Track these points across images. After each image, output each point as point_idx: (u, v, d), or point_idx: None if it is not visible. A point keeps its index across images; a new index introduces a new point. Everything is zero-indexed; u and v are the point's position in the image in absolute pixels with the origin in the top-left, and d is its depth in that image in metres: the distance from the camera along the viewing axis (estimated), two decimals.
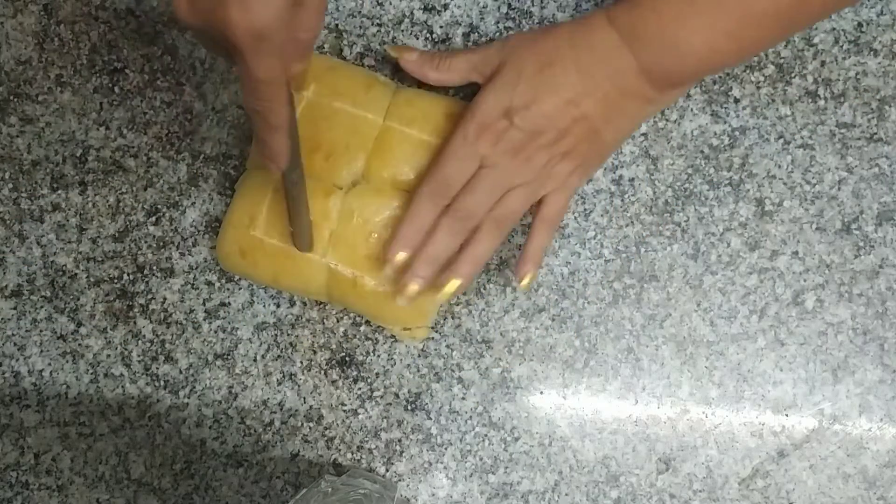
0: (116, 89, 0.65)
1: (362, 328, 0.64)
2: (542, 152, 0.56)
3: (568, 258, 0.63)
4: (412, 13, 0.64)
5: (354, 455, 0.64)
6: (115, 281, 0.65)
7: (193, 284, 0.65)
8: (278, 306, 0.64)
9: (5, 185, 0.66)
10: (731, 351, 0.63)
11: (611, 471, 0.63)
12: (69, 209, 0.66)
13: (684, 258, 0.63)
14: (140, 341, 0.65)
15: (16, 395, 0.66)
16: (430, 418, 0.64)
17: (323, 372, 0.64)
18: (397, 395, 0.64)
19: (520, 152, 0.56)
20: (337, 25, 0.64)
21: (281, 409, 0.65)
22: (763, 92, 0.62)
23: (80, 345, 0.65)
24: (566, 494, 0.63)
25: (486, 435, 0.64)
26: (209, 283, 0.65)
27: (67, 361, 0.66)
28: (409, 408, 0.64)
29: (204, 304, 0.65)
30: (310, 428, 0.64)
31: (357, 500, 0.57)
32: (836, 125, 0.62)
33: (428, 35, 0.64)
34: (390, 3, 0.64)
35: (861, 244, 0.62)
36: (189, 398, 0.65)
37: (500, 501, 0.64)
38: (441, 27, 0.64)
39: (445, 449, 0.64)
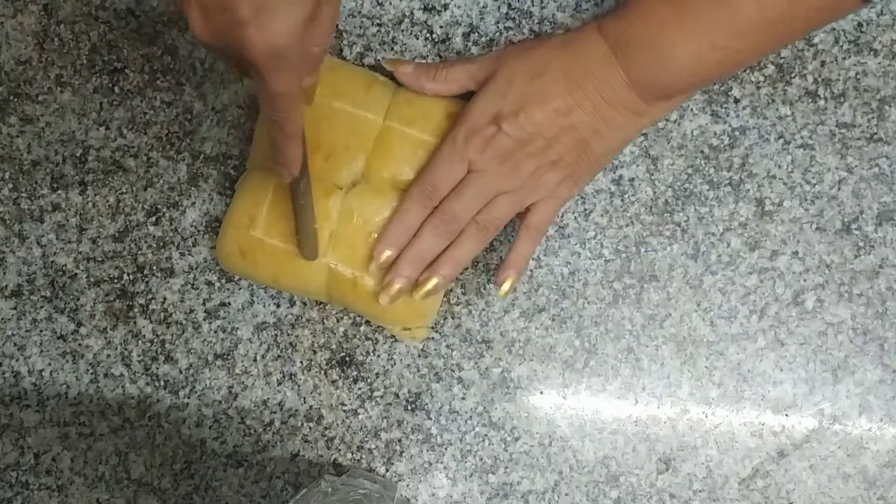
0: (116, 89, 0.65)
1: (362, 328, 0.64)
2: (530, 160, 0.56)
3: (568, 258, 0.63)
4: (412, 13, 0.64)
5: (354, 455, 0.64)
6: (115, 281, 0.65)
7: (193, 284, 0.65)
8: (278, 306, 0.65)
9: (5, 185, 0.66)
10: (731, 351, 0.63)
11: (611, 471, 0.63)
12: (69, 209, 0.66)
13: (684, 258, 0.63)
14: (140, 341, 0.65)
15: (16, 395, 0.66)
16: (430, 418, 0.64)
17: (323, 372, 0.64)
18: (397, 395, 0.64)
19: (507, 159, 0.56)
20: (337, 25, 0.64)
21: (281, 409, 0.65)
22: (763, 92, 0.62)
23: (80, 345, 0.65)
24: (566, 494, 0.63)
25: (486, 435, 0.64)
26: (209, 283, 0.65)
27: (67, 361, 0.66)
28: (409, 408, 0.64)
29: (204, 304, 0.65)
30: (310, 428, 0.64)
31: (357, 500, 0.57)
32: (836, 125, 0.62)
33: (428, 35, 0.64)
34: (390, 3, 0.64)
35: (861, 244, 0.62)
36: (189, 398, 0.65)
37: (500, 501, 0.64)
38: (441, 27, 0.64)
39: (445, 449, 0.64)
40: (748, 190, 0.63)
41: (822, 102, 0.62)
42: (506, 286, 0.58)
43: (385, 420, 0.64)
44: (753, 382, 0.63)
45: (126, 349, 0.65)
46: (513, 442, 0.63)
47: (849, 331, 0.62)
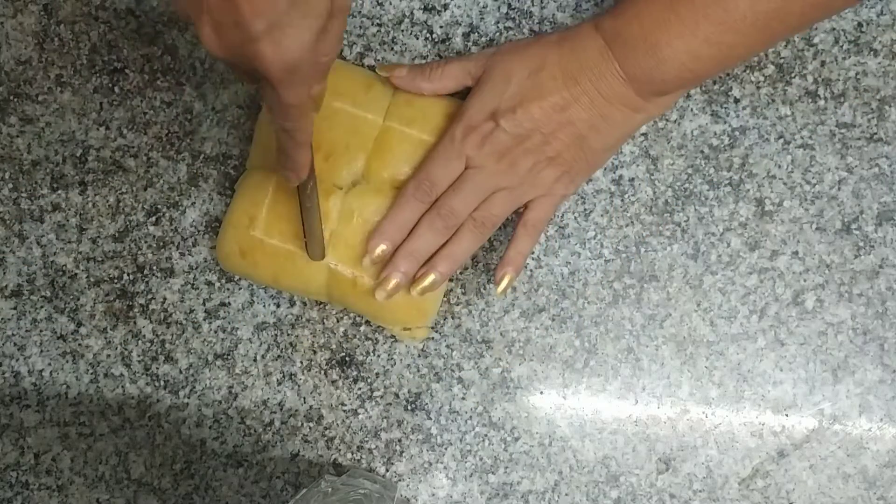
0: (116, 89, 0.65)
1: (362, 328, 0.64)
2: (528, 156, 0.56)
3: (568, 258, 0.63)
4: (412, 13, 0.64)
5: (354, 455, 0.64)
6: (115, 281, 0.65)
7: (193, 284, 0.65)
8: (278, 306, 0.65)
9: (5, 185, 0.66)
10: (731, 351, 0.63)
11: (611, 471, 0.63)
12: (69, 209, 0.66)
13: (684, 258, 0.63)
14: (140, 341, 0.65)
15: (16, 395, 0.66)
16: (430, 418, 0.64)
17: (323, 372, 0.64)
18: (397, 395, 0.64)
19: (505, 155, 0.56)
20: None
21: (281, 409, 0.65)
22: (763, 92, 0.62)
23: (80, 345, 0.65)
24: (566, 494, 0.63)
25: (486, 435, 0.64)
26: (209, 283, 0.65)
27: (67, 361, 0.66)
28: (409, 408, 0.64)
29: (204, 304, 0.65)
30: (310, 428, 0.64)
31: (357, 500, 0.57)
32: (836, 125, 0.62)
33: (428, 35, 0.64)
34: (390, 3, 0.64)
35: (861, 244, 0.62)
36: (189, 398, 0.65)
37: (500, 501, 0.64)
38: (441, 27, 0.64)
39: (445, 449, 0.64)
40: (748, 190, 0.63)
41: (822, 102, 0.62)
42: (503, 284, 0.58)
43: (385, 420, 0.64)
44: (753, 382, 0.63)
45: (126, 349, 0.65)
46: (513, 442, 0.63)
47: (849, 331, 0.62)
